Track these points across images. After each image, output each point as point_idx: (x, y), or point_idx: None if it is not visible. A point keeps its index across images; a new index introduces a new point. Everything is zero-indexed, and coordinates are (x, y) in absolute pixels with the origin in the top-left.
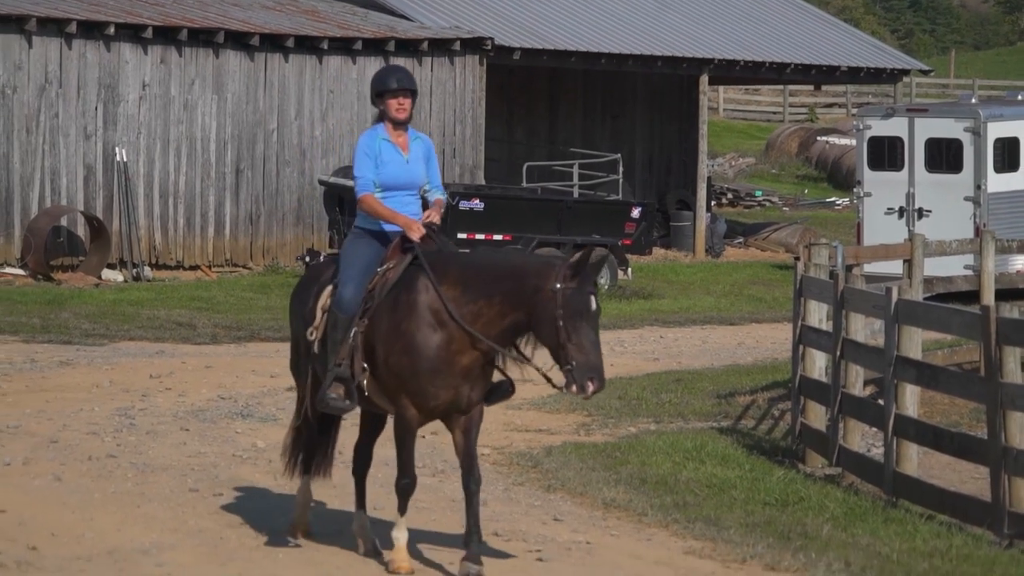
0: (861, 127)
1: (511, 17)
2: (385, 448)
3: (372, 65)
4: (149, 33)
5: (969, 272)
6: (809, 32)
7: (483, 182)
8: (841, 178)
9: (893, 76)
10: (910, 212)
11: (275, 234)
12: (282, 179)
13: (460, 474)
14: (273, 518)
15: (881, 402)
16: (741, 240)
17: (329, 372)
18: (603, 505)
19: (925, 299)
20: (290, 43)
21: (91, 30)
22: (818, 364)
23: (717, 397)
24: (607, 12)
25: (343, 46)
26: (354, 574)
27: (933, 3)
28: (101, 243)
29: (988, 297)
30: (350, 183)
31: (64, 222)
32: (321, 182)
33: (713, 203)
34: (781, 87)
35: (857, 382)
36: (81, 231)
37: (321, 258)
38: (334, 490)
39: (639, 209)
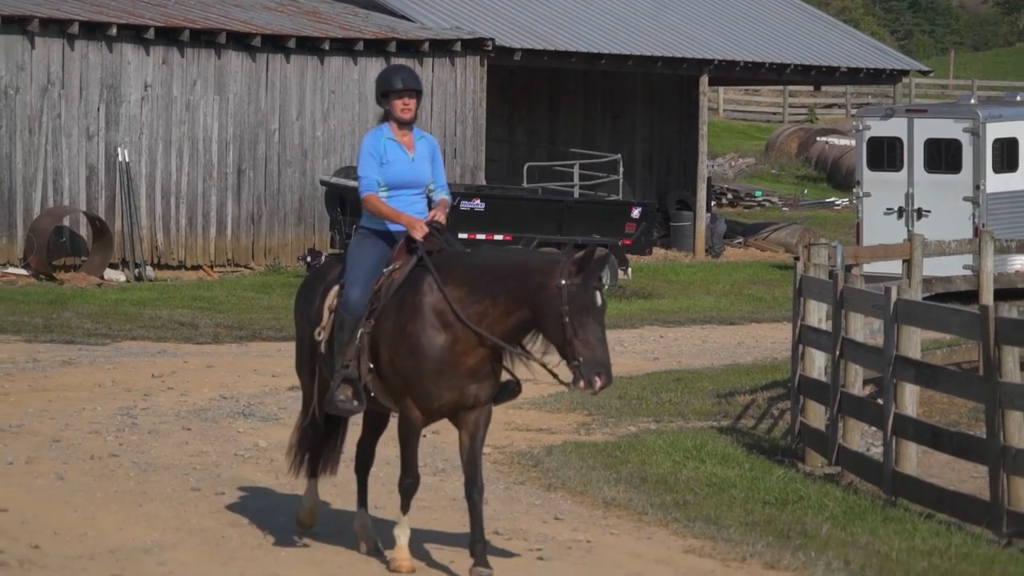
0: (860, 127)
1: (512, 18)
2: (386, 447)
3: (373, 66)
4: (151, 34)
5: (968, 272)
6: (809, 33)
7: (484, 182)
8: (840, 178)
9: (892, 77)
10: (909, 212)
11: (277, 234)
12: (284, 179)
13: (463, 480)
14: (275, 517)
15: (880, 401)
16: (741, 240)
17: (336, 373)
18: (603, 504)
19: (924, 299)
20: (292, 44)
21: (93, 31)
22: (817, 363)
23: (717, 396)
24: (607, 13)
25: (344, 47)
26: (356, 573)
27: (932, 4)
28: (103, 243)
29: (987, 297)
30: (351, 183)
31: (66, 222)
32: (322, 182)
33: (713, 203)
34: (781, 88)
35: (856, 381)
36: (83, 231)
37: (323, 258)
38: (335, 489)
39: (639, 209)
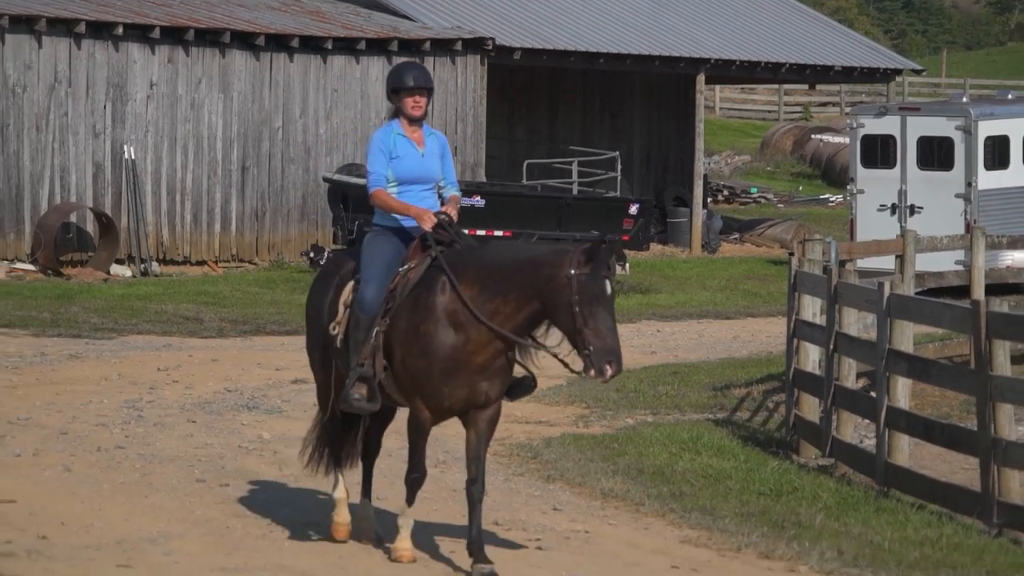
0: (855, 125)
1: (512, 18)
2: (389, 439)
3: (375, 65)
4: (156, 33)
5: (960, 267)
6: (804, 32)
7: (484, 179)
8: (835, 175)
9: (886, 75)
10: (902, 209)
11: (280, 230)
12: (287, 176)
13: (466, 477)
14: (279, 508)
15: (873, 394)
16: (737, 236)
17: (352, 372)
18: (601, 495)
19: (917, 294)
20: (295, 43)
21: (100, 30)
22: (812, 357)
23: (713, 389)
24: (606, 13)
25: (347, 46)
26: (358, 563)
27: (925, 4)
28: (110, 239)
29: (978, 292)
30: (354, 180)
31: (73, 218)
32: (325, 179)
33: (709, 200)
34: (776, 86)
35: (850, 375)
36: (90, 227)
37: (326, 254)
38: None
39: (637, 206)
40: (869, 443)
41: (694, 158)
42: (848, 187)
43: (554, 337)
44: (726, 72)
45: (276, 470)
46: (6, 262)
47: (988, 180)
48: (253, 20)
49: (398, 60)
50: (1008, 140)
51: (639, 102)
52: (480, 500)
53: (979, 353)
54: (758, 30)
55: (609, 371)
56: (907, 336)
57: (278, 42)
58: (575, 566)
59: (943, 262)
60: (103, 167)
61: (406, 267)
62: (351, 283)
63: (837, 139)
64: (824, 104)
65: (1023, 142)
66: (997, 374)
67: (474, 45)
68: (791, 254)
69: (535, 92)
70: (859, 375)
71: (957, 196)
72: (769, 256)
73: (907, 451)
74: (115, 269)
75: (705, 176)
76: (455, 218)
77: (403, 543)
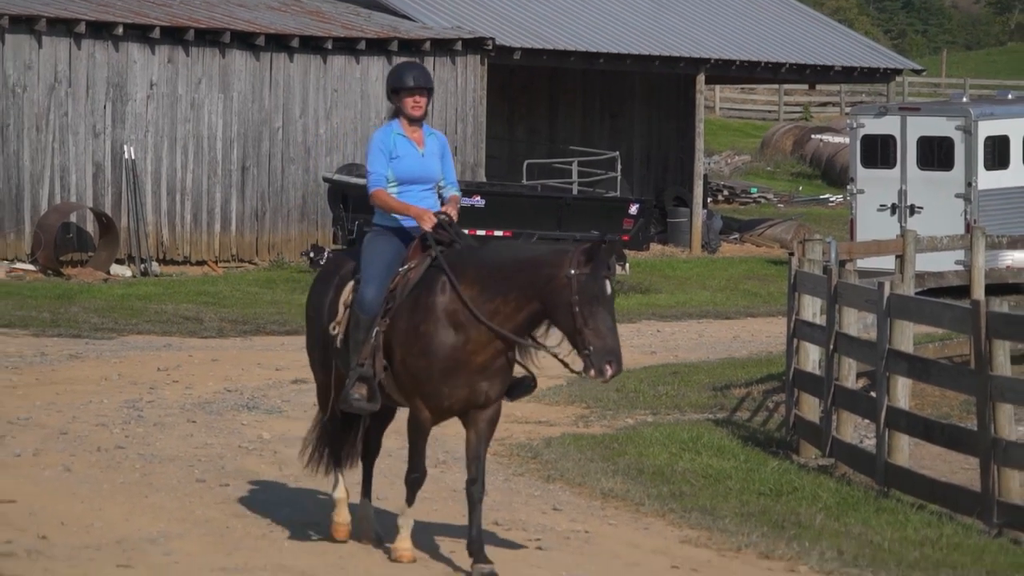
0: (855, 125)
1: (512, 18)
2: (388, 439)
3: (375, 65)
4: (156, 33)
5: (960, 267)
6: (804, 32)
7: (484, 179)
8: (835, 175)
9: (886, 75)
10: (902, 209)
11: (280, 230)
12: (287, 176)
13: (466, 477)
14: (278, 508)
15: (873, 394)
16: (737, 236)
17: (352, 372)
18: (601, 495)
19: (917, 294)
20: (295, 43)
21: (100, 30)
22: (812, 357)
23: (713, 389)
24: (606, 13)
25: (347, 46)
26: (358, 563)
27: (925, 4)
28: (110, 239)
29: (978, 292)
30: (354, 180)
31: (73, 218)
32: (325, 179)
33: (709, 200)
34: (776, 86)
35: (850, 375)
36: (90, 227)
37: (326, 253)
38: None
39: (637, 206)
40: (869, 443)
41: (694, 158)
42: (848, 187)
43: (554, 337)
44: (726, 72)
45: (276, 470)
46: (6, 262)
47: (988, 180)
48: (253, 20)
49: (398, 60)
50: (1008, 140)
51: (639, 102)
52: (480, 500)
53: (979, 353)
54: (758, 30)
55: (609, 371)
56: (907, 336)
57: (278, 42)
58: (575, 566)
59: (943, 262)
60: (103, 167)
61: (406, 267)
62: (351, 283)
63: (837, 139)
64: (824, 104)
65: (1023, 142)
66: (997, 374)
67: (474, 45)
68: (791, 254)
69: (535, 92)
70: (859, 375)
71: (957, 196)
72: (769, 256)
73: (907, 451)
74: (115, 269)
75: (705, 176)
76: (455, 218)
77: (403, 543)
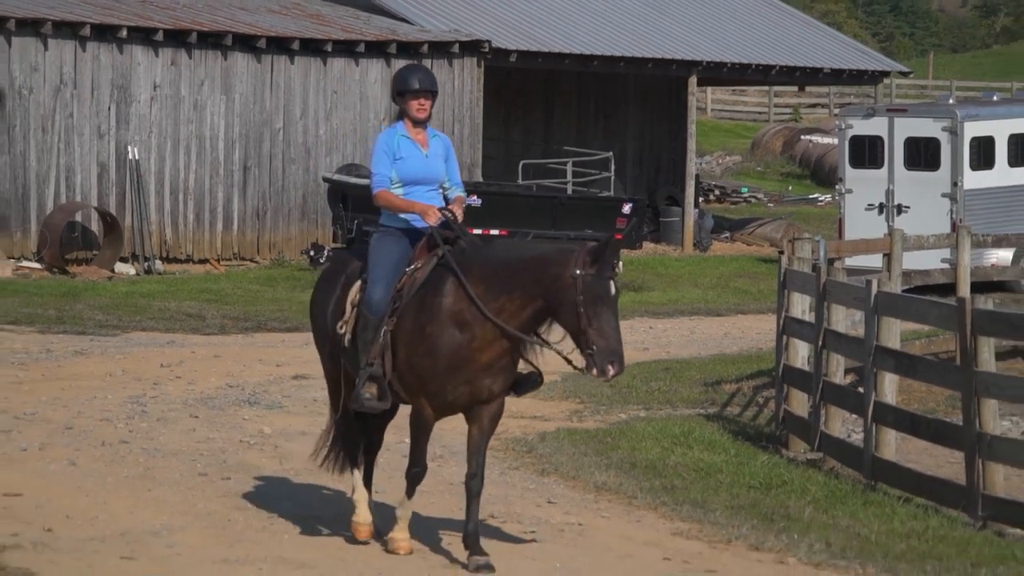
0: (843, 126)
1: (508, 21)
2: (386, 433)
3: (374, 67)
4: (160, 36)
5: (946, 266)
6: (794, 35)
7: (481, 179)
8: (824, 175)
9: (874, 77)
10: (890, 208)
11: (281, 229)
12: (288, 176)
13: (466, 471)
14: (279, 501)
15: (861, 390)
16: (727, 235)
17: (361, 371)
18: (595, 488)
19: (904, 291)
20: (295, 46)
21: (104, 33)
22: (801, 353)
23: (704, 385)
24: (600, 16)
25: (346, 49)
26: (356, 555)
27: (913, 7)
28: (114, 238)
29: (964, 289)
30: (353, 180)
31: (79, 217)
32: (325, 179)
33: (701, 199)
34: (767, 88)
35: (838, 371)
36: (95, 226)
37: (326, 252)
38: (338, 474)
39: (630, 205)
40: (857, 437)
41: (686, 158)
42: (837, 187)
43: (556, 333)
44: (718, 74)
45: (277, 464)
46: (13, 260)
47: (973, 180)
48: (254, 23)
49: (397, 62)
50: (993, 141)
51: (632, 104)
52: (479, 494)
53: (964, 349)
54: (749, 33)
55: (611, 371)
56: (894, 333)
57: (279, 45)
58: (569, 558)
59: (929, 260)
60: (107, 167)
61: (413, 267)
62: (357, 283)
63: (826, 140)
64: (813, 105)
65: (1008, 143)
66: (982, 370)
67: (471, 48)
68: (781, 252)
69: (531, 94)
70: (847, 371)
71: (943, 196)
72: (759, 254)
73: (894, 445)
74: (119, 267)
75: (697, 176)
76: (460, 218)
77: (400, 534)
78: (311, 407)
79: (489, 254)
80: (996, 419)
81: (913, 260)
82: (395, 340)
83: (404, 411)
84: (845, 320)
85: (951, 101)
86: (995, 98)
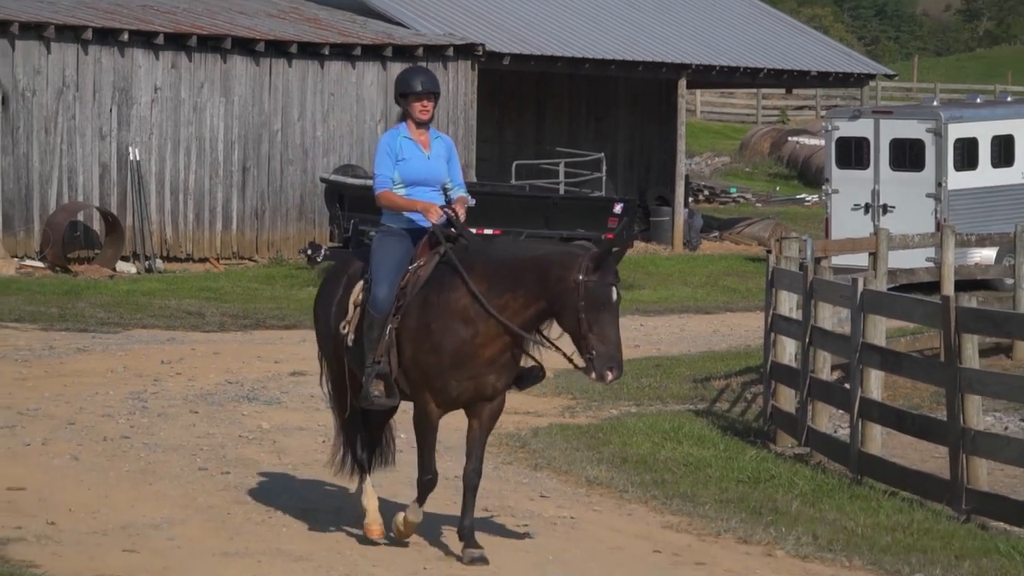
0: (829, 128)
1: (501, 25)
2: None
3: (370, 70)
4: (161, 40)
5: (930, 264)
6: (781, 39)
7: (474, 180)
8: (810, 176)
9: (860, 80)
10: (875, 208)
11: (279, 228)
12: (286, 177)
13: (464, 465)
14: (277, 495)
15: (847, 386)
16: (717, 234)
17: (368, 369)
18: (586, 482)
19: (889, 290)
20: (293, 49)
21: (106, 37)
22: (788, 350)
23: (694, 381)
24: (591, 20)
25: (343, 52)
26: (352, 547)
27: (898, 12)
28: (115, 237)
29: (948, 288)
30: (350, 180)
31: (81, 217)
32: (323, 179)
33: (690, 199)
34: (755, 90)
35: (825, 367)
36: (97, 226)
37: (323, 251)
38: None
39: (621, 205)
40: (843, 433)
41: (676, 159)
42: (823, 187)
43: (556, 329)
44: (707, 77)
45: (275, 459)
46: (16, 259)
47: (957, 180)
48: (253, 27)
49: (392, 65)
50: (976, 142)
51: (623, 106)
52: (476, 487)
53: (949, 346)
54: (737, 37)
55: (610, 376)
56: (880, 330)
57: (277, 48)
58: (561, 550)
59: (914, 259)
60: (109, 168)
61: (415, 265)
62: (360, 283)
63: (813, 141)
64: (800, 107)
65: (991, 144)
66: (966, 366)
67: (465, 51)
68: (769, 251)
69: (523, 96)
70: (834, 367)
71: (928, 196)
72: (747, 253)
73: (880, 440)
74: (120, 266)
75: (686, 177)
76: (463, 217)
77: (396, 516)
78: (308, 403)
79: (493, 252)
80: (980, 415)
81: (898, 259)
82: (400, 337)
83: (404, 412)
84: (832, 318)
85: (935, 103)
86: (978, 100)
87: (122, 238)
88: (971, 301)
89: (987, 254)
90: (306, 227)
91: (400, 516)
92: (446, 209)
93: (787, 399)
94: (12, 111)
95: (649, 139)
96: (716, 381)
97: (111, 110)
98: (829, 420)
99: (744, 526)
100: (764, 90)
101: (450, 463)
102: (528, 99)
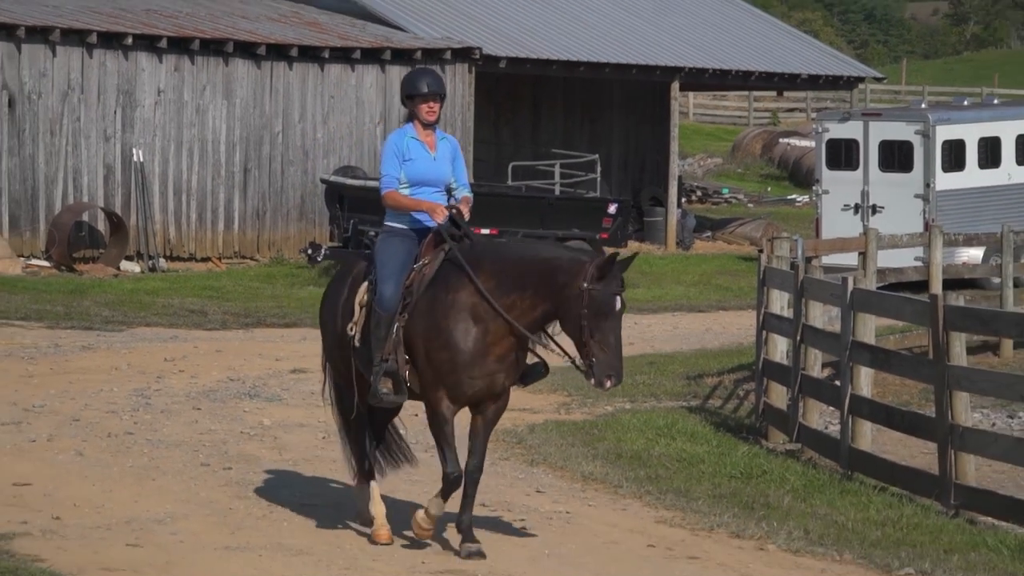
0: (820, 130)
1: (498, 29)
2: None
3: (369, 73)
4: (164, 43)
5: (919, 263)
6: (772, 42)
7: (471, 180)
8: (801, 177)
9: (849, 83)
10: (865, 208)
11: (280, 228)
12: (286, 178)
13: (466, 459)
14: (278, 490)
15: (838, 383)
16: (709, 234)
17: (376, 367)
18: (582, 478)
19: (878, 288)
20: (294, 52)
21: (110, 40)
22: (780, 348)
23: (687, 378)
24: (586, 24)
25: (343, 55)
26: (353, 541)
27: (886, 16)
28: (120, 237)
29: (936, 286)
30: (349, 181)
31: (86, 217)
32: (323, 180)
33: (683, 200)
34: (746, 93)
35: (816, 365)
36: (101, 226)
37: (323, 250)
38: (334, 464)
39: (615, 205)
40: (834, 429)
41: (669, 160)
42: (814, 188)
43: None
44: (699, 80)
45: (276, 454)
46: (22, 259)
47: (945, 181)
48: (255, 31)
49: (391, 69)
50: (964, 144)
51: (617, 108)
52: (476, 483)
53: (937, 344)
54: (729, 41)
55: (608, 384)
56: (869, 328)
57: (278, 51)
58: (557, 544)
59: (903, 258)
60: (113, 169)
61: (421, 263)
62: (365, 284)
63: (803, 143)
64: (791, 110)
65: (978, 145)
66: (954, 364)
67: (462, 54)
68: (760, 251)
69: (520, 99)
70: (824, 365)
71: (916, 196)
72: (740, 253)
73: (869, 436)
74: (125, 265)
75: (679, 177)
76: (467, 215)
77: (426, 523)
78: (309, 400)
79: (501, 251)
80: (967, 411)
81: (887, 258)
82: (409, 335)
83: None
84: (822, 316)
85: (923, 106)
86: (966, 103)
87: (126, 238)
88: (959, 300)
89: (974, 253)
90: (306, 227)
91: (420, 513)
92: (452, 210)
93: (779, 396)
94: (18, 113)
95: (643, 141)
96: (709, 378)
97: (115, 112)
98: (820, 417)
99: (737, 521)
100: (756, 93)
101: None
102: (524, 101)
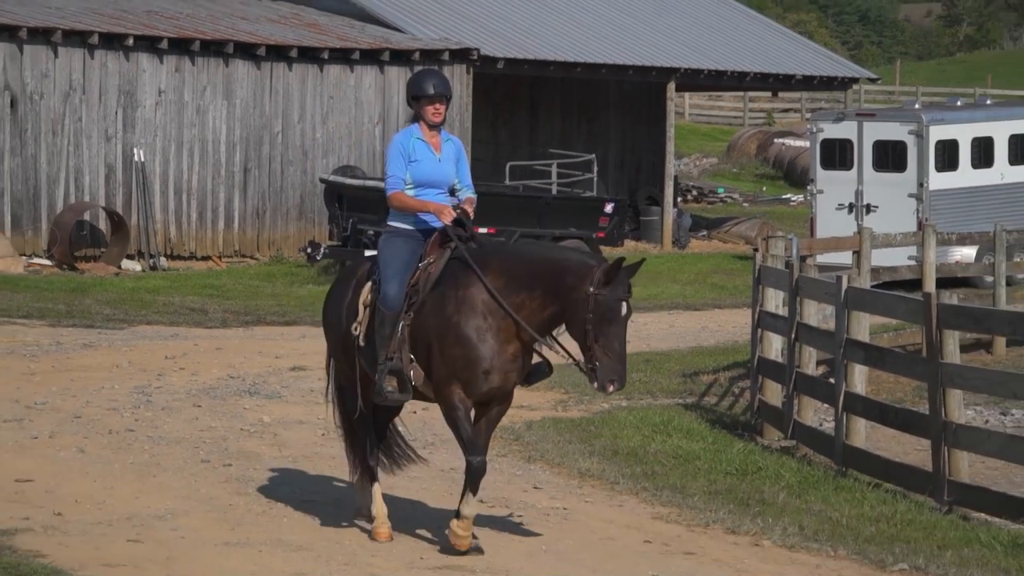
0: (814, 130)
1: (496, 30)
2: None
3: (368, 74)
4: (165, 44)
5: (912, 262)
6: (767, 43)
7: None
8: (796, 177)
9: (844, 84)
10: (859, 208)
11: (280, 228)
12: (286, 177)
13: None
14: (278, 487)
15: (832, 381)
16: (705, 233)
17: (381, 366)
18: (579, 474)
19: (872, 287)
20: (294, 53)
21: (112, 41)
22: (775, 346)
23: (683, 376)
24: (583, 25)
25: (342, 56)
26: (352, 537)
27: (880, 17)
28: (121, 236)
29: (930, 285)
30: (348, 181)
31: (87, 216)
32: (322, 180)
33: (679, 199)
34: (742, 93)
35: (810, 362)
36: (102, 225)
37: (322, 249)
38: (334, 461)
39: (612, 205)
40: (828, 426)
41: (665, 160)
42: (808, 187)
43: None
44: (695, 80)
45: (276, 451)
46: (24, 257)
47: (938, 181)
48: (254, 32)
49: (390, 69)
50: (957, 144)
51: (614, 108)
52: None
53: (931, 342)
54: (725, 42)
55: (610, 388)
56: (863, 326)
57: (278, 52)
58: (554, 540)
59: (897, 257)
60: (115, 169)
61: (426, 262)
62: (368, 284)
63: (798, 143)
64: (786, 110)
65: (971, 146)
66: (947, 362)
67: (460, 55)
68: (755, 250)
69: (517, 99)
70: (819, 363)
71: (910, 196)
72: (735, 252)
73: (864, 433)
74: (126, 264)
75: (675, 177)
76: (471, 215)
77: (463, 532)
78: (308, 397)
79: (508, 251)
80: (961, 408)
81: (881, 257)
82: (416, 333)
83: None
84: (817, 314)
85: (917, 106)
86: (959, 103)
87: (127, 237)
88: (952, 298)
89: (967, 252)
90: (306, 226)
91: (455, 522)
92: (457, 209)
93: (774, 393)
94: (20, 114)
95: (639, 141)
96: (705, 376)
97: (116, 113)
98: (814, 414)
99: (732, 517)
100: (751, 93)
101: (446, 456)
102: (522, 102)
